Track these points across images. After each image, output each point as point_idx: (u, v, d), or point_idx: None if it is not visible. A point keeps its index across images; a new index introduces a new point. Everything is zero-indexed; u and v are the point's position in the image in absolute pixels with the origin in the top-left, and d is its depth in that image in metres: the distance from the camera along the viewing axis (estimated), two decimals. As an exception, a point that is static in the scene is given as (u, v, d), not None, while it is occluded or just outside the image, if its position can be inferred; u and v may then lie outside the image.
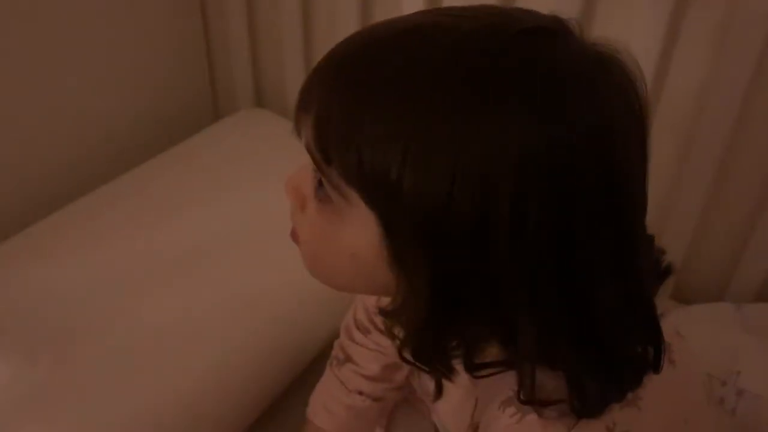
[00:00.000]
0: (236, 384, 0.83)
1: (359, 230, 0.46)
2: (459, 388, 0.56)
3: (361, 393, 0.77)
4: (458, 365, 0.50)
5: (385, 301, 0.50)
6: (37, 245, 0.93)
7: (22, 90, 1.01)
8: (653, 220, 0.50)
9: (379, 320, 0.74)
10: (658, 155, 0.49)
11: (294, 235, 0.53)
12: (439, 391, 0.58)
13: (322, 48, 1.18)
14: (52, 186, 1.07)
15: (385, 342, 0.74)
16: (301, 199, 0.51)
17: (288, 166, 0.53)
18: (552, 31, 0.44)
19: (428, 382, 0.65)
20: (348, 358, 0.78)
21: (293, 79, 1.20)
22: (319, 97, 0.46)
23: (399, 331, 0.50)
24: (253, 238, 0.94)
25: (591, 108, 0.42)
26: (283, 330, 0.89)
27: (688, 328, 0.61)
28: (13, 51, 0.99)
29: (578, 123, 0.41)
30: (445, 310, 0.45)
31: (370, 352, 0.76)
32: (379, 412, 0.80)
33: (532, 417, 0.49)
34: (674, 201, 1.00)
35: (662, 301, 0.52)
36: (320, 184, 0.47)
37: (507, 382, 0.50)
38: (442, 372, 0.51)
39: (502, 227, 0.41)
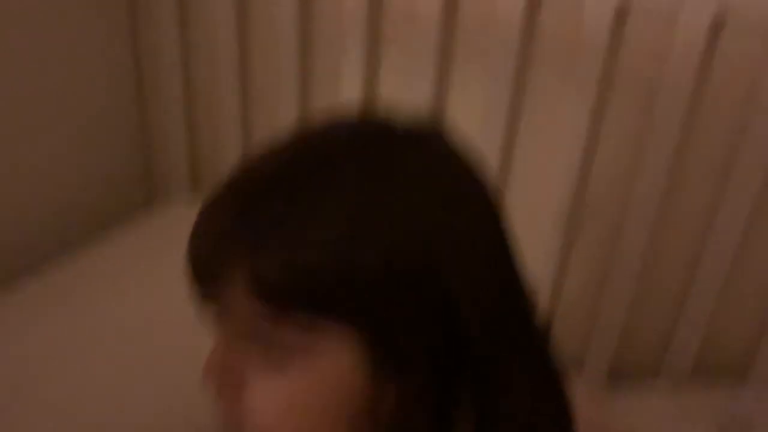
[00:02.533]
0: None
1: (336, 358, 0.43)
2: None
3: None
4: None
5: None
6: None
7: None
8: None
9: None
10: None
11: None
12: None
13: (261, 133, 1.18)
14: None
15: None
16: (238, 378, 0.45)
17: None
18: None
19: None
20: None
21: (231, 162, 1.18)
22: (247, 251, 0.42)
23: None
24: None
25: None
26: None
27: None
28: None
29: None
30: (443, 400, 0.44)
31: None
32: None
33: None
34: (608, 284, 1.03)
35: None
36: (268, 348, 0.43)
37: None
38: None
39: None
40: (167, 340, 0.88)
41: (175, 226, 1.11)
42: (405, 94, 1.03)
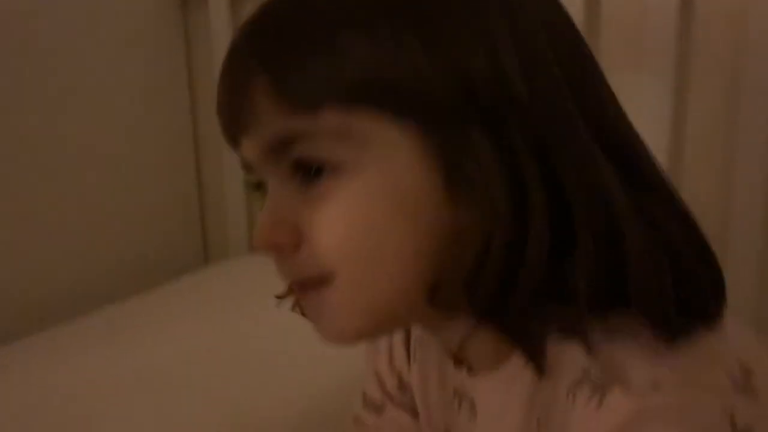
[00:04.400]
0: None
1: (397, 166, 0.38)
2: (515, 402, 0.42)
3: None
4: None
5: None
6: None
7: (25, 223, 1.04)
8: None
9: (394, 386, 0.60)
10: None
11: (306, 285, 0.41)
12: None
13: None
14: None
15: (404, 418, 0.60)
16: (292, 229, 0.40)
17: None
18: None
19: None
20: None
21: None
22: (266, 56, 0.39)
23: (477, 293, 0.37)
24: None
25: None
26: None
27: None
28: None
29: None
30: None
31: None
32: None
33: (614, 396, 0.35)
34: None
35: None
36: (309, 178, 0.39)
37: (568, 362, 0.37)
38: (532, 346, 0.38)
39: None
40: (212, 380, 0.83)
41: (229, 280, 1.09)
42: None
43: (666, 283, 0.36)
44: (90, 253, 1.09)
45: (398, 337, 0.57)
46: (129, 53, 1.13)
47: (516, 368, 0.41)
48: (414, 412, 0.57)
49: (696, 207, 0.41)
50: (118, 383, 0.80)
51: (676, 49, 0.87)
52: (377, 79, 0.37)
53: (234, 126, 0.41)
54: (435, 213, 0.38)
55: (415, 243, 0.38)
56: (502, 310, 0.37)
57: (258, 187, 0.44)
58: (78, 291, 1.06)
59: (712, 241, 0.40)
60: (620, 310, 0.37)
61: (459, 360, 0.47)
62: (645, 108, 0.89)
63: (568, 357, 0.37)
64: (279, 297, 0.45)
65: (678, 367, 0.35)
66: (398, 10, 0.38)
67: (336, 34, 0.37)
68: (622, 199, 0.37)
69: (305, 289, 0.41)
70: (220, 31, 1.15)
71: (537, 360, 0.38)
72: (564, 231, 0.37)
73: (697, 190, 0.92)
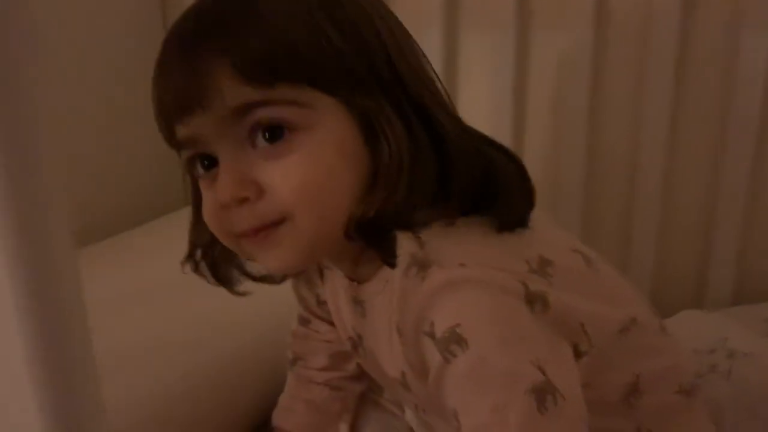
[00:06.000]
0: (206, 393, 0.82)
1: (335, 125, 0.50)
2: (388, 295, 0.55)
3: (317, 384, 0.76)
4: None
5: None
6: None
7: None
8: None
9: (313, 303, 0.74)
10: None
11: (260, 229, 0.51)
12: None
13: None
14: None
15: (324, 327, 0.75)
16: (253, 185, 0.50)
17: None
18: None
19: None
20: (297, 357, 0.77)
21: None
22: (226, 43, 0.48)
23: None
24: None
25: None
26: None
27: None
28: None
29: None
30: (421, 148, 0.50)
31: (317, 344, 0.76)
32: (340, 406, 0.77)
33: (432, 270, 0.49)
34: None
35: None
36: (266, 138, 0.49)
37: (404, 253, 0.51)
38: (386, 249, 0.51)
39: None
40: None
41: None
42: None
43: (489, 191, 0.51)
44: (85, 194, 1.17)
45: (312, 268, 0.70)
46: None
47: (387, 271, 0.54)
48: (331, 322, 0.71)
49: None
50: (118, 299, 0.88)
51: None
52: (313, 65, 0.49)
53: (187, 106, 0.49)
54: (360, 158, 0.51)
55: (350, 183, 0.50)
56: (376, 231, 0.50)
57: (191, 161, 0.53)
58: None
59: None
60: (470, 218, 0.51)
61: (351, 277, 0.60)
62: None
63: (404, 249, 0.51)
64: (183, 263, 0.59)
65: (485, 254, 0.50)
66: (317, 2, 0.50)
67: (277, 23, 0.49)
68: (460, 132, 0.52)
69: (258, 232, 0.51)
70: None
71: (387, 259, 0.52)
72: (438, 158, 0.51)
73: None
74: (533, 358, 0.46)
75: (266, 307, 0.87)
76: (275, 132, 0.49)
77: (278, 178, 0.49)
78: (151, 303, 0.90)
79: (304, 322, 0.77)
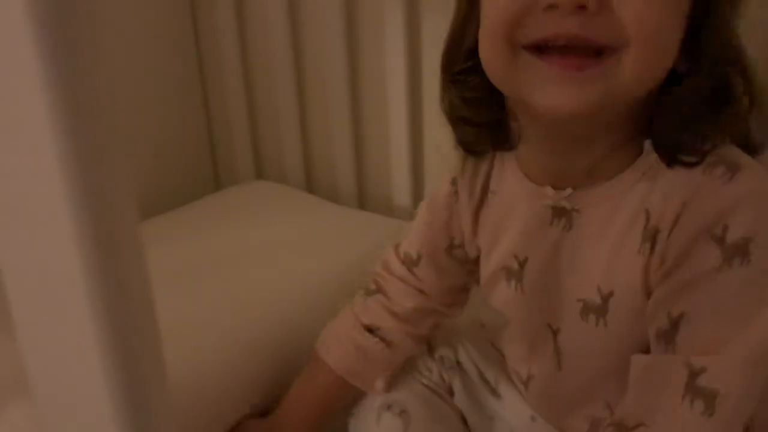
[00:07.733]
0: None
1: None
2: (624, 209, 0.54)
3: (378, 329, 0.72)
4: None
5: None
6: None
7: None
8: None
9: (443, 244, 0.71)
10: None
11: (583, 52, 0.47)
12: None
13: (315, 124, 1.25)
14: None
15: (431, 279, 0.72)
16: None
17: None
18: None
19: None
20: (380, 290, 0.74)
21: (291, 152, 1.29)
22: None
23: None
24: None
25: None
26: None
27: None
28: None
29: None
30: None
31: (408, 288, 0.73)
32: (387, 361, 0.74)
33: (743, 173, 0.49)
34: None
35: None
36: None
37: (705, 153, 0.51)
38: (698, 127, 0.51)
39: None
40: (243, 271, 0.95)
41: (239, 202, 1.22)
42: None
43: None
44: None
45: (474, 195, 0.66)
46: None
47: (629, 180, 0.53)
48: (440, 271, 0.70)
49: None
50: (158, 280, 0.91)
51: None
52: None
53: None
54: (684, 17, 0.49)
55: (679, 34, 0.49)
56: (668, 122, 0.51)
57: None
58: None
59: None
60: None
61: (558, 182, 0.57)
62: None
63: (712, 143, 0.51)
64: None
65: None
66: None
67: None
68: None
69: (583, 55, 0.47)
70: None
71: (694, 143, 0.51)
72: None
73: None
74: None
75: (315, 284, 0.91)
76: None
77: (639, 16, 0.46)
78: (206, 277, 0.92)
79: (410, 262, 0.73)
